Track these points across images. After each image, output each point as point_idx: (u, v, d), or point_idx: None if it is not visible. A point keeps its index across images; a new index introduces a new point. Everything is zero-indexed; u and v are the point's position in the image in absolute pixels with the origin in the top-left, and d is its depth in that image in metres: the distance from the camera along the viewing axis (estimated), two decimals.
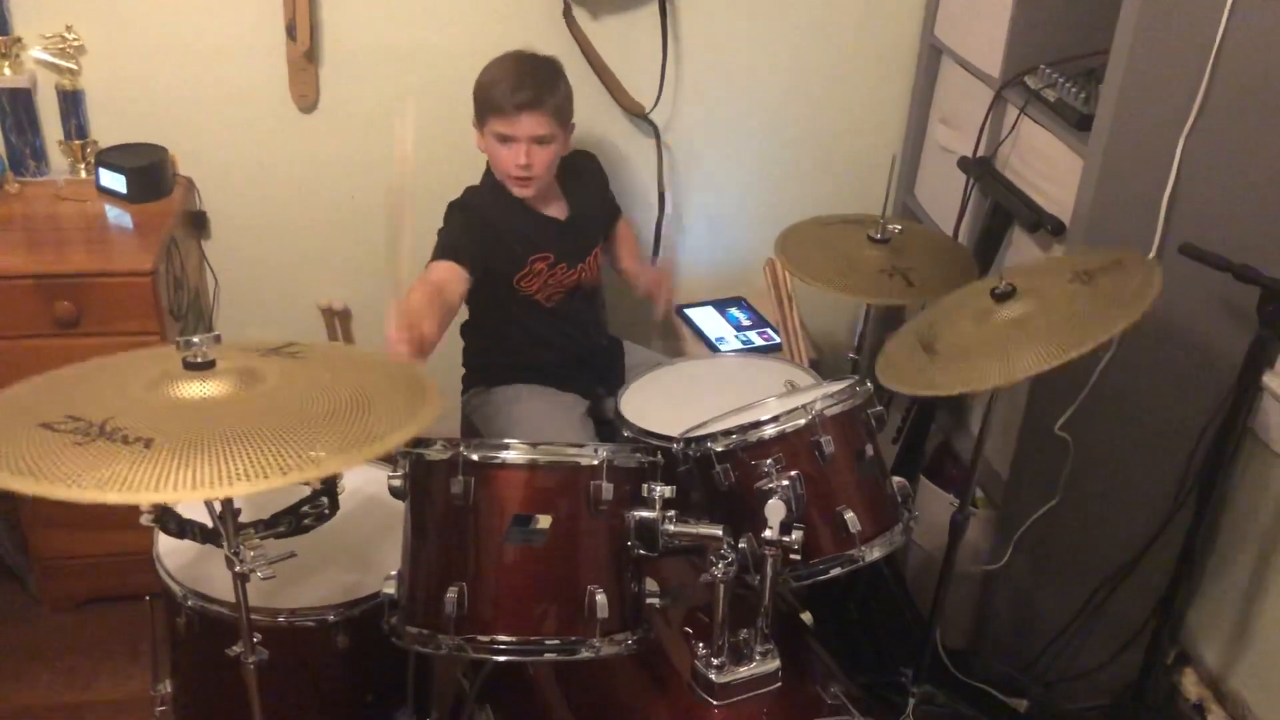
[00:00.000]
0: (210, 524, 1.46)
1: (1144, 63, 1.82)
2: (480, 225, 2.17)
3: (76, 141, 2.50)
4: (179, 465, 1.19)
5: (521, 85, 2.11)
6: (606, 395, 2.33)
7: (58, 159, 2.54)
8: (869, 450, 1.72)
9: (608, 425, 2.21)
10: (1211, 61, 1.81)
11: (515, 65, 2.16)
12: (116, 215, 2.41)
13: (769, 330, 2.68)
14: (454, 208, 2.21)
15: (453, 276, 2.07)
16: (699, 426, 1.73)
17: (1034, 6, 2.18)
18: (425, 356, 1.82)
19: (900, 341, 1.87)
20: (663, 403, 2.03)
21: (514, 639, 1.49)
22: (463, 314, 2.33)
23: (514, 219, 2.22)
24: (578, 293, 2.31)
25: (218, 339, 1.41)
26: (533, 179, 2.16)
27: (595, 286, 2.39)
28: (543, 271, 2.23)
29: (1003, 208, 2.24)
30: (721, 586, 1.48)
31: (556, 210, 2.29)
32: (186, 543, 1.55)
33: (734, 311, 2.78)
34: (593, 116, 2.62)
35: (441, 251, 2.11)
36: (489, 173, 2.25)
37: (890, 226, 2.17)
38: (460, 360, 2.42)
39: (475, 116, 2.19)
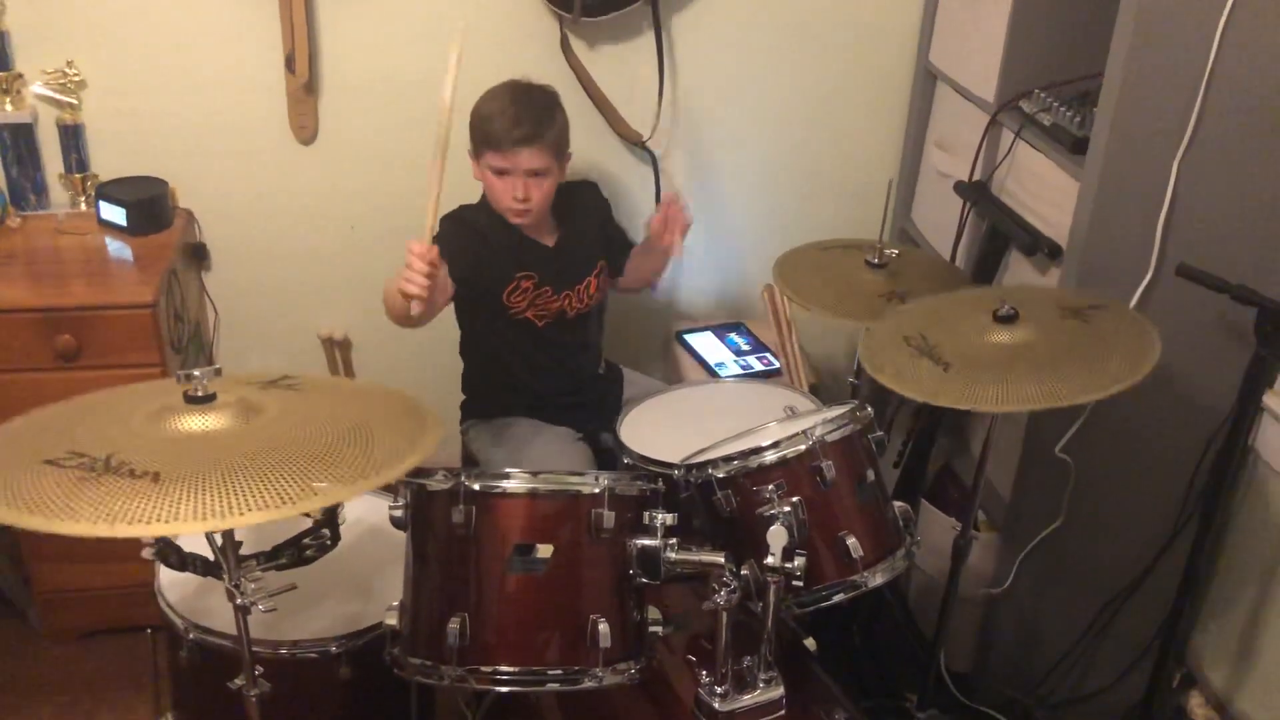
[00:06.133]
0: (212, 557, 1.46)
1: (1138, 85, 1.83)
2: (473, 237, 2.19)
3: (77, 175, 2.52)
4: (183, 499, 1.20)
5: (519, 120, 2.11)
6: (600, 430, 2.32)
7: (58, 193, 2.55)
8: (870, 475, 1.72)
9: (607, 454, 2.21)
10: (1205, 82, 1.82)
11: (512, 98, 2.15)
12: (117, 248, 2.42)
13: (768, 355, 2.68)
14: (448, 219, 2.22)
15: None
16: (700, 453, 1.73)
17: (1028, 31, 2.20)
18: (422, 316, 1.89)
19: (886, 343, 1.81)
20: (663, 429, 2.03)
21: (516, 669, 1.48)
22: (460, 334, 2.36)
23: (505, 237, 2.23)
24: (566, 318, 2.31)
25: (218, 372, 1.42)
26: (530, 210, 2.17)
27: (586, 314, 2.36)
28: (529, 290, 2.23)
29: (1000, 231, 2.24)
30: (724, 614, 1.47)
31: (546, 238, 2.29)
32: (188, 575, 1.55)
33: (733, 337, 2.78)
34: (590, 145, 2.63)
35: None
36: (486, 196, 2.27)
37: (888, 251, 2.18)
38: (459, 387, 2.42)
39: (471, 147, 2.19)
